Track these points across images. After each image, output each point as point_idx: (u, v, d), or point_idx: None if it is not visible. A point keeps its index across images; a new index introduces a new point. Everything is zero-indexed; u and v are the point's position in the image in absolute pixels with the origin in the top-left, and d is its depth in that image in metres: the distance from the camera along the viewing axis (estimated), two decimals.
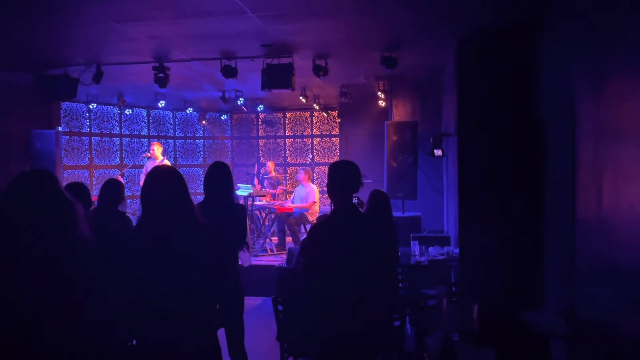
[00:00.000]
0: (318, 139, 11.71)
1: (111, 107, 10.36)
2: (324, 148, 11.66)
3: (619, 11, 2.83)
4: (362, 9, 4.69)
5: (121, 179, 8.49)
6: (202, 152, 12.07)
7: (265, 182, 10.24)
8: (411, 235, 6.59)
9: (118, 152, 10.64)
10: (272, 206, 9.03)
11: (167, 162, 8.98)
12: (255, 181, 10.31)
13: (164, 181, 2.45)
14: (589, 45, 3.32)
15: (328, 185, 2.97)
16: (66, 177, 9.45)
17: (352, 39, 5.76)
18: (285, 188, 10.52)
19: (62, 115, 9.49)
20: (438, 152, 6.74)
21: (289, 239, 8.92)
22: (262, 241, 9.00)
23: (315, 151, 11.69)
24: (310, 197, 8.72)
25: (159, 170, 2.53)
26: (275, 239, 9.22)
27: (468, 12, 4.75)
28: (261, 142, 12.05)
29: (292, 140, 11.87)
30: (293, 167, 11.72)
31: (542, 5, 4.32)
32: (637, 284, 2.55)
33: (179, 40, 5.67)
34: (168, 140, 11.57)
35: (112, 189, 4.35)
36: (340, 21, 5.06)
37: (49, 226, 2.06)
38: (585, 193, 3.37)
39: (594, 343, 2.95)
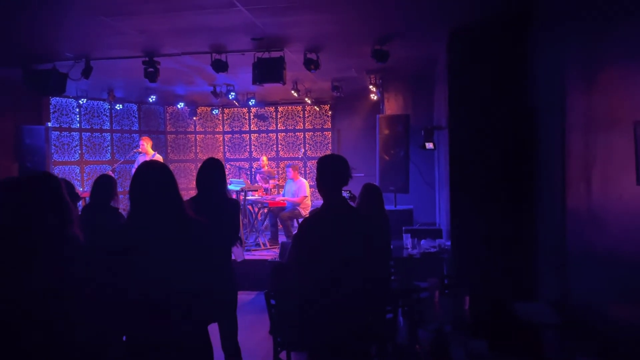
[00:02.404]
0: (310, 133, 11.70)
1: (101, 102, 10.29)
2: (316, 142, 11.64)
3: (610, 3, 2.84)
4: (353, 1, 4.67)
5: (112, 175, 8.45)
6: (194, 147, 12.02)
7: (258, 177, 10.22)
8: (403, 228, 6.61)
9: (109, 148, 10.58)
10: (264, 201, 9.02)
11: (158, 157, 8.94)
12: (259, 179, 10.22)
13: (152, 176, 2.44)
14: (579, 37, 3.34)
15: (317, 180, 2.98)
16: (57, 174, 9.38)
17: (343, 32, 5.74)
18: (278, 182, 10.52)
19: (51, 110, 9.41)
20: (430, 146, 6.76)
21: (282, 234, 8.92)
22: (254, 236, 8.99)
23: (307, 145, 11.67)
24: (301, 191, 8.71)
25: (147, 165, 2.51)
26: (267, 234, 9.21)
27: (459, 3, 4.75)
28: (253, 136, 12.02)
29: (284, 134, 11.84)
30: (286, 162, 11.70)
31: None
32: (627, 272, 2.58)
33: (169, 34, 5.63)
34: (159, 135, 11.51)
35: (105, 185, 4.33)
36: (332, 14, 5.04)
37: (46, 224, 2.15)
38: (576, 183, 3.39)
39: (586, 331, 2.98)
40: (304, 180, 8.97)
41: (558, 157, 3.75)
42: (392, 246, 5.21)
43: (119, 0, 4.45)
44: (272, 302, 4.09)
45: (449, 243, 5.59)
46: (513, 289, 4.62)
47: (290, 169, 8.92)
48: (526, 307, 3.32)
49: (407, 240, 6.01)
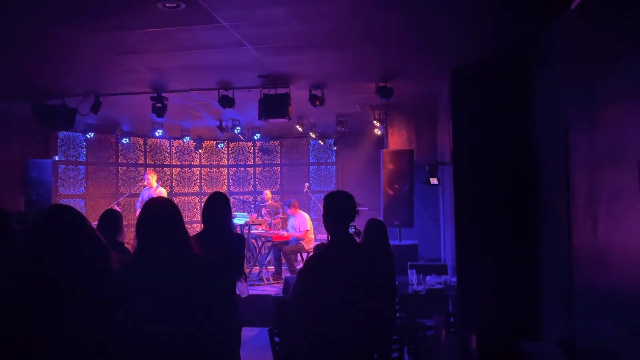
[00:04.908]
0: (314, 167, 11.76)
1: (108, 135, 10.40)
2: (320, 176, 11.69)
3: (610, 44, 2.91)
4: (357, 41, 4.78)
5: (118, 209, 8.48)
6: (198, 180, 12.09)
7: (263, 211, 10.23)
8: (408, 263, 6.57)
9: (115, 181, 10.64)
10: (268, 234, 9.01)
11: (162, 189, 8.98)
12: (263, 212, 10.24)
13: (158, 213, 2.45)
14: (580, 76, 3.39)
15: (324, 216, 2.99)
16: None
17: (347, 69, 5.85)
18: (282, 217, 10.51)
19: (59, 144, 9.52)
20: (434, 181, 6.78)
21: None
22: (258, 270, 8.94)
23: (311, 179, 11.72)
24: (303, 225, 8.71)
25: (153, 202, 2.54)
26: (271, 268, 9.16)
27: (462, 43, 4.84)
28: (257, 170, 12.10)
29: (289, 168, 11.92)
30: (290, 195, 11.73)
31: (536, 37, 4.42)
32: (635, 311, 2.56)
33: (177, 71, 5.74)
34: (164, 169, 11.59)
35: (111, 220, 4.33)
36: (336, 53, 5.14)
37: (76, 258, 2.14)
38: (581, 221, 3.39)
39: None
40: (304, 213, 8.97)
41: (562, 194, 3.76)
42: (397, 282, 5.18)
43: (131, 39, 4.56)
44: (276, 339, 4.05)
45: (454, 279, 5.55)
46: (520, 327, 4.56)
47: (286, 207, 9.00)
48: (533, 346, 3.28)
49: (412, 276, 5.96)
